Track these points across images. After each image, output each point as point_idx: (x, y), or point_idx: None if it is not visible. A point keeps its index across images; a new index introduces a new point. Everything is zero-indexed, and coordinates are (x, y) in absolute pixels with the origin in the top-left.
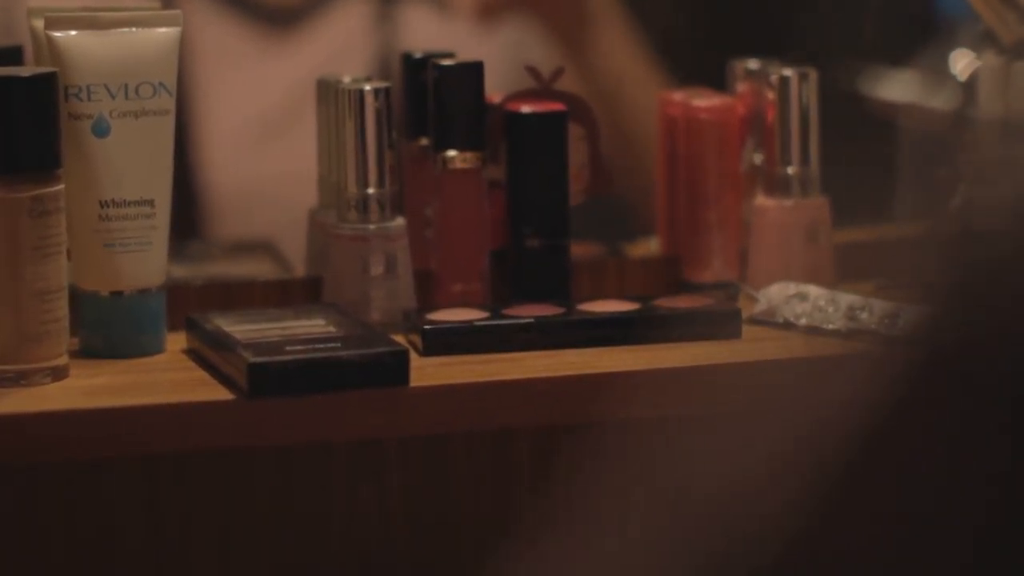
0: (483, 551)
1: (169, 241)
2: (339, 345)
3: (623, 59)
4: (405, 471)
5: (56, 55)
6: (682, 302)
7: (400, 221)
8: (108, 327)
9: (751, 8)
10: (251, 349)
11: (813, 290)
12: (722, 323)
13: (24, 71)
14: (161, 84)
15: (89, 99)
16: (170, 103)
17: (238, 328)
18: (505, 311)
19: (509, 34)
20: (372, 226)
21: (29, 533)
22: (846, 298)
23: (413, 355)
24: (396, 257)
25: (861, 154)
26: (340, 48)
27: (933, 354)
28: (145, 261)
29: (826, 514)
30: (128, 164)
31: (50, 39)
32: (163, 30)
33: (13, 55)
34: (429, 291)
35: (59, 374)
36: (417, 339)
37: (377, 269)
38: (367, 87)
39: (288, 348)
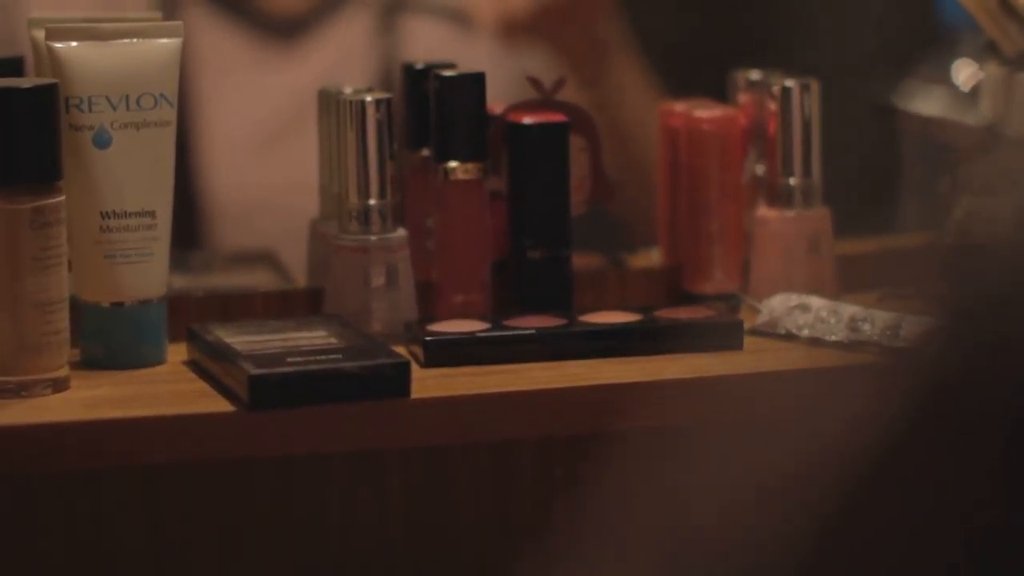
0: (484, 562)
1: (170, 252)
2: (340, 357)
3: (630, 83)
4: (406, 482)
5: (57, 66)
6: (684, 313)
7: (401, 232)
8: (109, 338)
9: (753, 19)
10: (252, 361)
11: (815, 301)
12: (724, 334)
13: (25, 82)
14: (162, 95)
15: (90, 110)
16: (171, 114)
17: (239, 339)
18: (506, 322)
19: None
20: (373, 237)
21: (29, 544)
22: (848, 309)
23: (414, 367)
24: (397, 268)
25: (863, 165)
26: (342, 59)
27: (932, 382)
28: (146, 272)
29: (828, 525)
30: (129, 175)
31: (51, 50)
32: (164, 41)
33: (14, 66)
34: (430, 302)
35: (60, 385)
36: (418, 350)
37: (378, 280)
38: (368, 98)
39: (289, 360)
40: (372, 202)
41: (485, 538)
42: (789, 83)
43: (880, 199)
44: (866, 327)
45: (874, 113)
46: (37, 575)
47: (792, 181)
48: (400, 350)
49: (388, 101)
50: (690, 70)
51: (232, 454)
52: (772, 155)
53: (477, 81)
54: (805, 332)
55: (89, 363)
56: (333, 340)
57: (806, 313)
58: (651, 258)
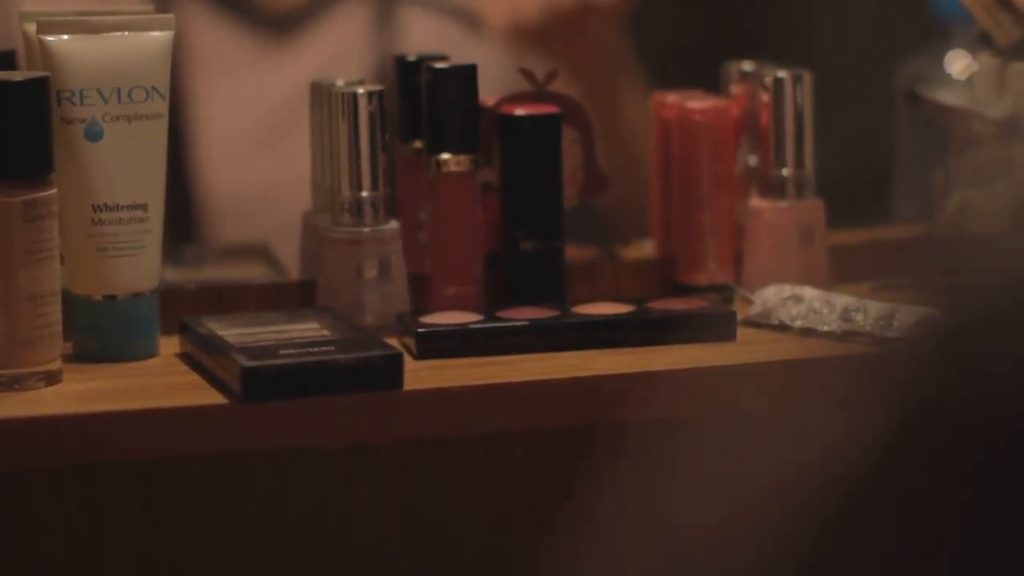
0: (479, 554)
1: (163, 245)
2: (333, 349)
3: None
4: (399, 474)
5: (49, 59)
6: (677, 304)
7: (394, 224)
8: (101, 331)
9: (746, 10)
10: (245, 353)
11: (808, 292)
12: (717, 325)
13: (17, 75)
14: (154, 88)
15: (82, 103)
16: (163, 107)
17: (232, 332)
18: (499, 314)
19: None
20: (366, 229)
21: (23, 538)
22: (841, 300)
23: (407, 358)
24: (390, 260)
25: (856, 156)
26: (338, 54)
27: (917, 399)
28: (138, 265)
29: (824, 517)
30: (121, 168)
31: (43, 43)
32: (156, 34)
33: (6, 59)
34: (423, 294)
35: (52, 378)
36: (411, 342)
37: (371, 272)
38: (360, 90)
39: (282, 352)
40: (364, 194)
41: (479, 530)
42: (782, 74)
43: (873, 190)
44: (859, 317)
45: (904, 99)
46: (31, 569)
47: (785, 172)
48: (393, 342)
49: (380, 93)
50: (683, 61)
51: (225, 447)
52: (765, 146)
53: (469, 73)
54: (798, 323)
55: (82, 356)
56: (326, 332)
57: (799, 304)
58: (644, 249)
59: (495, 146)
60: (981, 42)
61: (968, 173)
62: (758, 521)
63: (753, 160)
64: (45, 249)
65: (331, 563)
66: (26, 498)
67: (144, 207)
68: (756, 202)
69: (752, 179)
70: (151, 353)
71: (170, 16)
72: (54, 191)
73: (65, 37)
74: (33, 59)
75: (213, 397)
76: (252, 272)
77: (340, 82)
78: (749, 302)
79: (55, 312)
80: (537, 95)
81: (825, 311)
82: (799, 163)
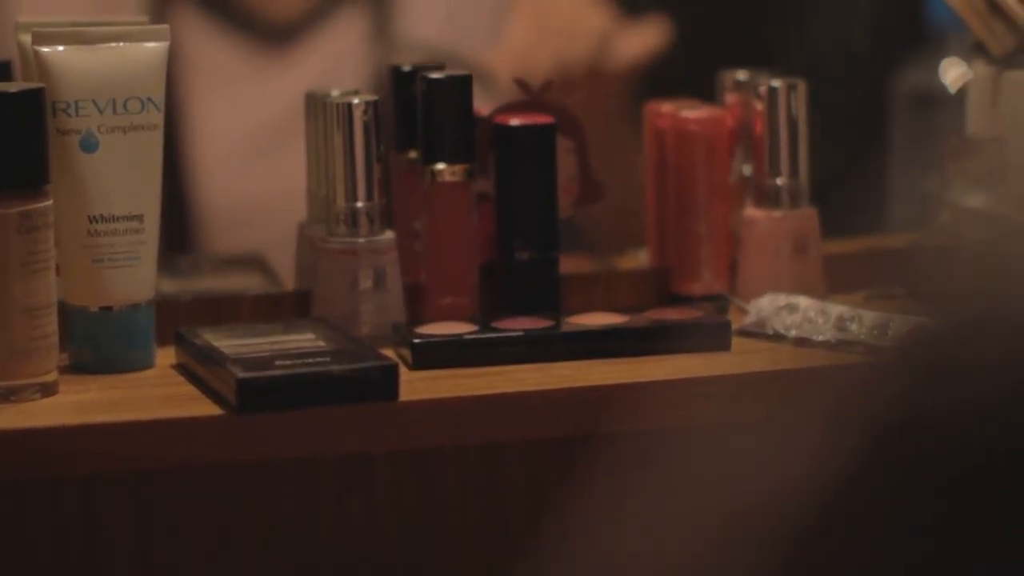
0: (475, 565)
1: (158, 255)
2: (328, 359)
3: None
4: (395, 485)
5: (44, 70)
6: (671, 314)
7: (389, 234)
8: (97, 342)
9: (741, 20)
10: (240, 364)
11: (803, 301)
12: (712, 335)
13: (12, 87)
14: (149, 99)
15: (77, 114)
16: (158, 118)
17: (227, 343)
18: (495, 324)
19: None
20: (361, 240)
21: (18, 549)
22: (836, 309)
23: (403, 369)
24: (385, 271)
25: (850, 165)
26: (334, 65)
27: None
28: (134, 276)
29: (816, 523)
30: (116, 179)
31: (38, 54)
32: (151, 45)
33: (1, 71)
34: (418, 304)
35: (48, 390)
36: (407, 353)
37: (366, 283)
38: (355, 100)
39: (277, 363)
40: (360, 205)
41: (475, 541)
42: (776, 83)
43: (867, 199)
44: (853, 327)
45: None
46: None
47: (779, 181)
48: (388, 352)
49: (375, 103)
50: (677, 70)
51: (221, 458)
52: (759, 155)
53: (464, 83)
54: (793, 332)
55: (78, 367)
56: (321, 343)
57: (794, 313)
58: (639, 259)
59: (490, 156)
60: (976, 51)
61: (962, 181)
62: (751, 531)
63: (747, 169)
64: (41, 260)
65: (327, 574)
66: (22, 509)
67: (140, 218)
68: (751, 211)
69: (747, 188)
70: (147, 364)
71: (165, 27)
72: (49, 202)
73: (60, 48)
74: (28, 70)
75: (209, 408)
76: (248, 283)
77: (335, 92)
78: (744, 312)
79: (51, 323)
80: (532, 105)
81: (820, 320)
82: (793, 172)
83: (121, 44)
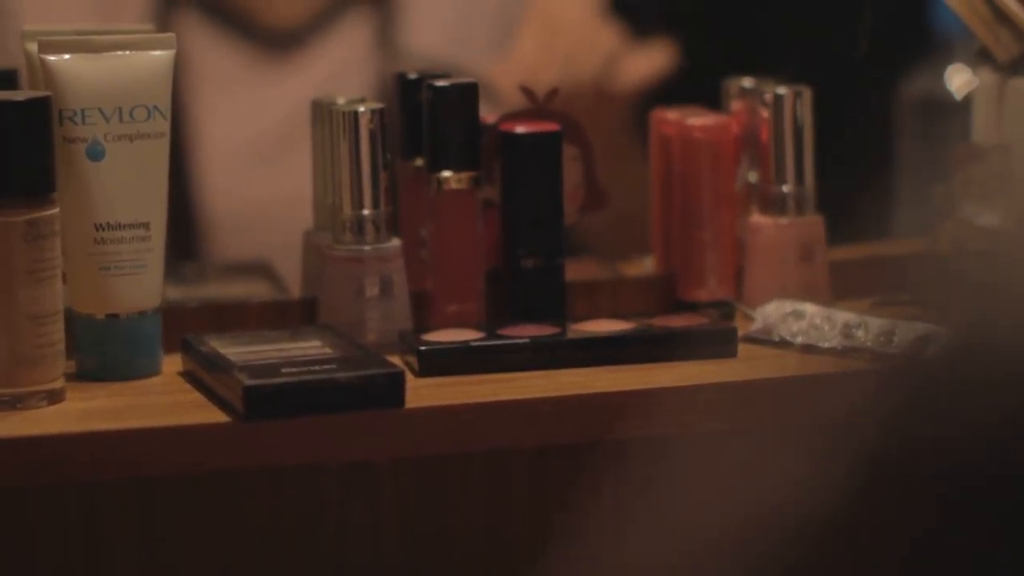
0: (478, 572)
1: (165, 263)
2: (335, 367)
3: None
4: (400, 492)
5: (50, 79)
6: (677, 321)
7: (395, 242)
8: (104, 350)
9: (746, 27)
10: (247, 371)
11: (809, 308)
12: (718, 342)
13: (18, 95)
14: (155, 107)
15: (83, 122)
16: (164, 126)
17: (234, 350)
18: (501, 331)
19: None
20: (367, 247)
21: (24, 556)
22: (842, 316)
23: (409, 376)
24: (391, 278)
25: (856, 172)
26: (339, 72)
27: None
28: (140, 284)
29: (823, 530)
30: (123, 187)
31: (44, 63)
32: (157, 53)
33: (7, 79)
34: (424, 312)
35: (55, 397)
36: (413, 360)
37: (372, 290)
38: (361, 108)
39: (284, 370)
40: (366, 212)
41: (480, 548)
42: (781, 90)
43: (873, 206)
44: (859, 333)
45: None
46: None
47: (785, 188)
48: (395, 360)
49: (381, 111)
50: (683, 78)
51: (227, 465)
52: (765, 162)
53: (470, 91)
54: (799, 339)
55: (84, 375)
56: (327, 350)
57: (800, 320)
58: (645, 266)
59: (496, 164)
60: (981, 58)
61: (968, 188)
62: (755, 538)
63: (753, 176)
64: (47, 268)
65: None
66: (27, 516)
67: (146, 226)
68: (756, 218)
69: (752, 195)
70: (153, 372)
71: (171, 35)
72: (56, 210)
73: (67, 56)
74: (35, 78)
75: (215, 416)
76: (254, 290)
77: (341, 100)
78: (750, 318)
79: (58, 331)
80: (537, 113)
81: (826, 327)
82: (799, 179)
83: (127, 52)
